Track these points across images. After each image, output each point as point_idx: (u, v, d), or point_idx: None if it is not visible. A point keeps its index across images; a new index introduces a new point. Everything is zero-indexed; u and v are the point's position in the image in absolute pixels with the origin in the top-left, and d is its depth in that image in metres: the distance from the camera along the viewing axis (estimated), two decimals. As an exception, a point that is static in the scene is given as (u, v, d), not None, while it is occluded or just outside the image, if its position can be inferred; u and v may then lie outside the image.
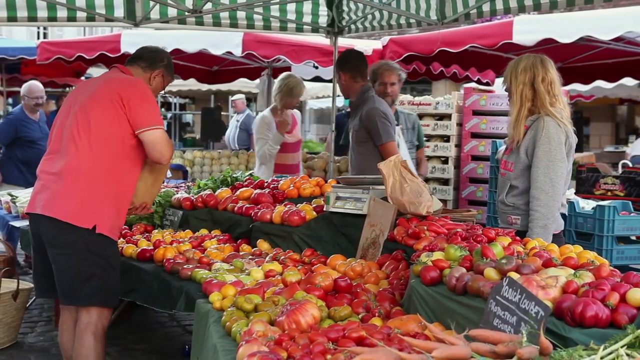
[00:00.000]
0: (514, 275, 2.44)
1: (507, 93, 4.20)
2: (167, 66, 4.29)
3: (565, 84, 6.80)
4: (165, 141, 3.96)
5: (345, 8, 7.07)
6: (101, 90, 3.98)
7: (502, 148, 4.39)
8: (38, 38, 23.22)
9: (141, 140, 3.94)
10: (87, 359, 3.88)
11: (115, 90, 3.92)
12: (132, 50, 8.13)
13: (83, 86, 4.27)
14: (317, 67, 8.88)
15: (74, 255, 3.86)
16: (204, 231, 4.97)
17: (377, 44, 7.98)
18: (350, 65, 5.52)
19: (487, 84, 9.29)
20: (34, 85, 8.65)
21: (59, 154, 3.95)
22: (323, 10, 7.19)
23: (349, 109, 6.12)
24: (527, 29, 6.44)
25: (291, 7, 7.11)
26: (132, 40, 8.25)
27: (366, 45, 7.86)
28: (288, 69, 10.40)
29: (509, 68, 4.07)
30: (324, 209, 4.34)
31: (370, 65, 5.82)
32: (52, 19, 6.64)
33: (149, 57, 4.25)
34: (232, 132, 12.61)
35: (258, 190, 5.08)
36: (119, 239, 4.95)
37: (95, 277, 3.89)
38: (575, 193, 6.38)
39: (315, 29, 7.40)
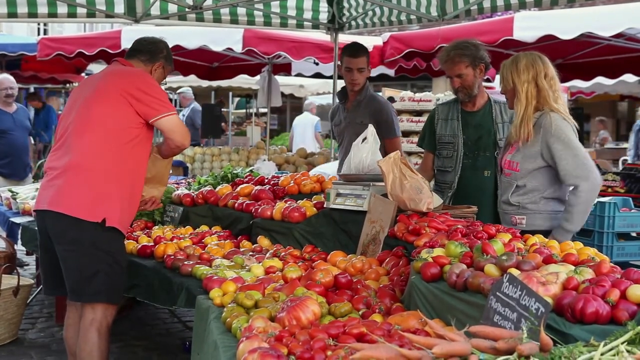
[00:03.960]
0: (515, 272, 2.45)
1: (502, 93, 4.18)
2: (167, 57, 4.29)
3: (565, 80, 6.82)
4: (182, 125, 4.07)
5: (345, 4, 7.07)
6: (104, 85, 3.99)
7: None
8: (38, 34, 23.22)
9: (158, 129, 4.01)
10: (90, 355, 3.89)
11: (119, 83, 3.93)
12: (132, 47, 8.19)
13: (87, 82, 4.28)
14: (317, 64, 8.89)
15: (80, 252, 3.86)
16: (204, 227, 4.97)
17: (378, 40, 7.99)
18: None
19: (487, 80, 9.29)
20: (4, 77, 8.75)
21: (65, 150, 3.95)
22: (323, 6, 7.19)
23: (337, 104, 5.95)
24: (528, 26, 6.44)
25: (292, 3, 7.11)
26: (132, 36, 8.20)
27: (366, 42, 7.85)
28: (288, 65, 10.42)
29: (506, 68, 4.00)
30: (325, 206, 4.34)
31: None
32: (53, 15, 6.64)
33: (148, 49, 4.24)
34: None
35: (258, 187, 5.08)
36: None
37: (101, 274, 3.88)
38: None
39: (315, 25, 7.40)
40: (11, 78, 8.84)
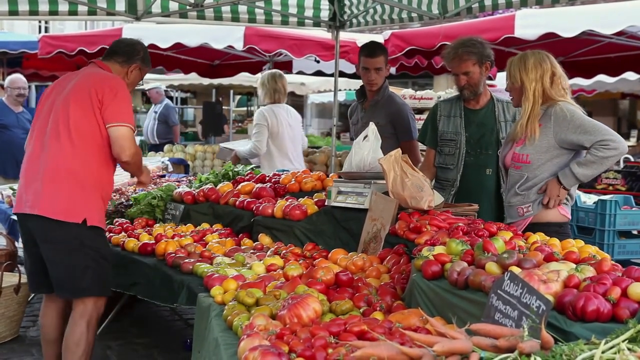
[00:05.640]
0: (516, 270, 2.44)
1: (507, 91, 4.17)
2: (143, 58, 4.37)
3: (566, 78, 6.78)
4: (128, 139, 4.02)
5: (346, 2, 7.06)
6: (79, 87, 4.08)
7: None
8: (39, 32, 23.21)
9: (110, 136, 4.02)
10: (78, 345, 4.02)
11: (92, 86, 4.02)
12: (133, 44, 8.20)
13: (62, 82, 4.31)
14: (318, 61, 8.87)
15: (68, 250, 3.99)
16: (205, 225, 4.97)
17: (379, 38, 7.96)
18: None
19: (489, 78, 9.26)
20: (16, 77, 8.84)
21: (42, 152, 4.04)
22: (325, 4, 7.17)
23: (355, 102, 5.83)
24: (529, 23, 6.43)
25: (293, 0, 7.09)
26: (133, 34, 8.15)
27: (368, 40, 7.84)
28: (289, 63, 10.41)
29: (514, 65, 4.00)
30: (326, 203, 4.34)
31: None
32: (54, 13, 6.63)
33: (125, 51, 4.32)
34: (149, 125, 12.13)
35: (259, 185, 5.08)
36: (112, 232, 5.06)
37: (90, 269, 4.03)
38: (577, 187, 6.38)
39: (316, 23, 7.38)
40: (24, 79, 8.89)
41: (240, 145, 7.51)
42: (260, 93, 7.04)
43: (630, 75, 9.65)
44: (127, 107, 4.10)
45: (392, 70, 9.05)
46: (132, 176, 4.76)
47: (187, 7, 6.63)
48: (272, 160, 6.81)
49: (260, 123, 6.72)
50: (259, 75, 10.75)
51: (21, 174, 4.17)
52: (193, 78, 13.64)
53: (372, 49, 5.41)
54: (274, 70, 7.31)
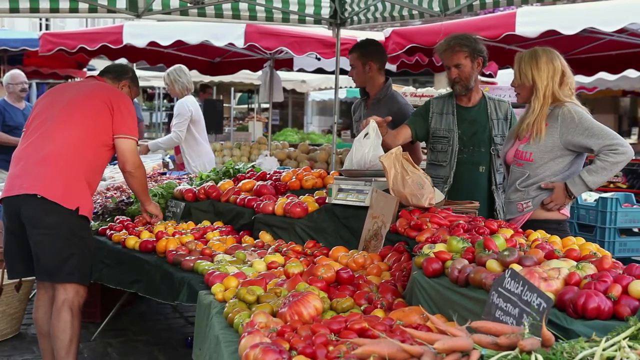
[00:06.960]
0: (516, 267, 2.44)
1: (513, 86, 4.15)
2: (132, 78, 4.84)
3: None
4: (133, 152, 4.49)
5: (347, -1, 7.05)
6: (94, 93, 4.50)
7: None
8: (40, 29, 23.20)
9: (116, 145, 4.44)
10: (64, 332, 4.17)
11: (107, 95, 4.46)
12: (134, 42, 8.23)
13: (68, 86, 4.87)
14: (319, 59, 8.86)
15: (57, 235, 4.17)
16: (206, 223, 4.97)
17: (380, 36, 7.95)
18: (380, 56, 5.46)
19: (489, 75, 9.27)
20: (16, 72, 8.87)
21: (44, 141, 4.26)
22: (325, 1, 7.16)
23: (359, 99, 5.83)
24: (530, 21, 6.42)
25: (293, -2, 7.08)
26: (134, 31, 8.25)
27: (369, 37, 7.83)
28: (290, 60, 10.40)
29: (525, 62, 3.97)
30: (326, 201, 4.34)
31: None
32: (54, 10, 6.62)
33: (115, 70, 4.82)
34: None
35: (260, 182, 5.08)
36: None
37: (75, 257, 4.23)
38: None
39: (317, 21, 7.37)
40: (23, 74, 8.92)
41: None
42: (177, 88, 7.70)
43: (631, 73, 9.63)
44: (135, 122, 4.55)
45: (393, 67, 9.05)
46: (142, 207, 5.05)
47: (188, 5, 6.63)
48: (197, 145, 7.68)
49: (182, 114, 7.52)
50: (259, 72, 10.77)
51: (16, 162, 4.32)
52: (194, 75, 13.59)
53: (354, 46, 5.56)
54: (178, 65, 7.87)
